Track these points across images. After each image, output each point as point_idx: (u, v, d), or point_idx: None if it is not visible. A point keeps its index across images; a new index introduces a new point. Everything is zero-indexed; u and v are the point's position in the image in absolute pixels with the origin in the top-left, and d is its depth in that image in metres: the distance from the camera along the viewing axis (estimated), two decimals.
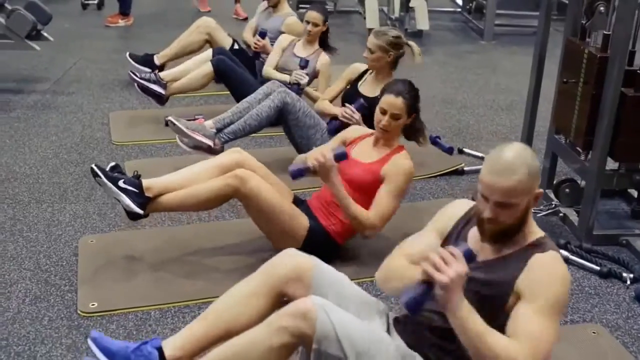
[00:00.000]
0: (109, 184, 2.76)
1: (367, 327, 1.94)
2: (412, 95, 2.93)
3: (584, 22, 3.28)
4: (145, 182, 2.81)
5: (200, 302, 2.69)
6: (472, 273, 1.80)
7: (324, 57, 4.23)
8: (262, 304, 2.09)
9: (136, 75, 4.38)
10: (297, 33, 4.60)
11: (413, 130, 3.07)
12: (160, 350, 2.05)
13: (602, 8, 3.09)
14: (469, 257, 1.74)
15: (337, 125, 3.53)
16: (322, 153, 2.71)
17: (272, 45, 4.57)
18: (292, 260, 2.13)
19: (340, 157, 2.72)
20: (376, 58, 3.58)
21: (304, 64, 4.15)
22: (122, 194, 2.76)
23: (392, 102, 2.88)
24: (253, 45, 4.64)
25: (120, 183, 2.78)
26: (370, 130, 3.09)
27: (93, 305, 2.65)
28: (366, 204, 2.86)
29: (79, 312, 2.62)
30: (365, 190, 2.88)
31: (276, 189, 2.91)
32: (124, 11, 7.06)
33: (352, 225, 2.88)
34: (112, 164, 2.91)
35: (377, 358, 1.87)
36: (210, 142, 3.61)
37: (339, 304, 1.96)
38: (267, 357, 1.88)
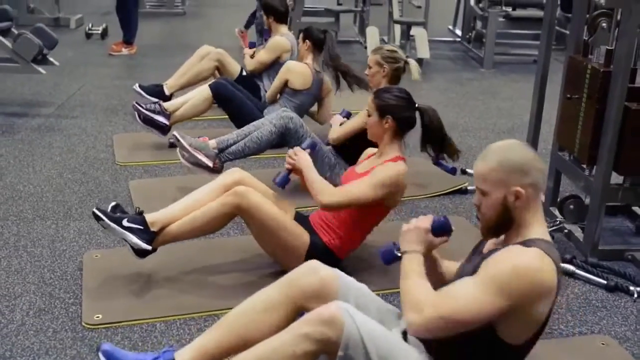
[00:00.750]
0: (113, 224, 2.75)
1: (390, 334, 1.93)
2: (385, 97, 2.85)
3: (586, 38, 3.32)
4: (148, 217, 2.80)
5: (206, 315, 2.67)
6: (474, 264, 1.89)
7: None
8: (280, 317, 2.06)
9: (141, 107, 4.37)
10: (279, 50, 4.76)
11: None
12: None
13: (604, 24, 3.13)
14: (441, 225, 2.00)
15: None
16: (293, 151, 2.92)
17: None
18: (316, 275, 2.09)
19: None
20: (373, 73, 3.65)
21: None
22: (127, 232, 2.74)
23: (369, 99, 2.92)
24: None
25: (124, 222, 2.76)
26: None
27: (98, 317, 2.63)
28: (358, 213, 2.87)
29: (83, 324, 2.60)
30: None
31: (277, 205, 2.90)
32: (128, 40, 7.14)
33: (352, 240, 2.90)
34: (113, 203, 2.89)
35: None
36: (209, 162, 3.62)
37: (361, 312, 1.94)
38: None
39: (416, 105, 2.91)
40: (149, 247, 2.77)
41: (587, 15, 3.32)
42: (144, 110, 4.37)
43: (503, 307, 1.74)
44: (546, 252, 1.79)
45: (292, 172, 2.95)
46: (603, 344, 2.58)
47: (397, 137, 2.90)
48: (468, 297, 1.76)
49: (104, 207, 2.84)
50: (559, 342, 2.59)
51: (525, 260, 1.76)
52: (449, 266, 2.17)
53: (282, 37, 4.86)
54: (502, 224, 1.89)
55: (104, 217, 2.75)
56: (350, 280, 2.13)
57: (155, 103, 4.48)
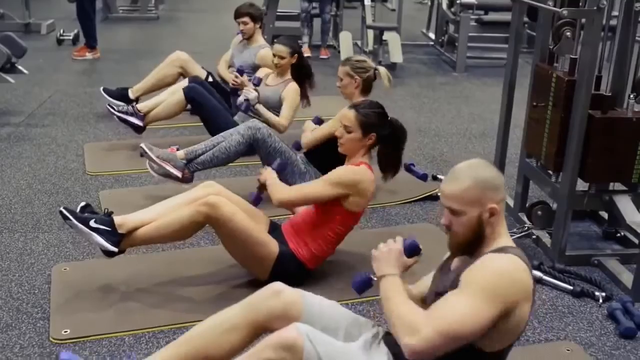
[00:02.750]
0: (80, 225, 2.73)
1: (353, 354, 1.93)
2: (368, 112, 2.87)
3: (551, 47, 3.36)
4: (117, 219, 2.79)
5: (175, 328, 2.66)
6: (445, 282, 1.90)
7: (291, 86, 4.20)
8: (241, 338, 2.06)
9: (113, 109, 4.42)
10: (271, 64, 4.66)
11: (384, 164, 3.00)
12: None
13: (568, 33, 3.17)
14: (413, 247, 2.02)
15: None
16: (262, 171, 3.06)
17: (249, 79, 4.60)
18: (279, 298, 2.08)
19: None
20: (344, 85, 3.66)
21: (256, 82, 4.27)
22: (94, 233, 2.74)
23: (345, 113, 2.91)
24: (231, 82, 4.61)
25: (92, 223, 2.75)
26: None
27: (66, 332, 2.61)
28: (324, 221, 2.90)
29: (51, 339, 2.58)
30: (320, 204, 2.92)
31: (250, 216, 2.90)
32: (91, 44, 7.12)
33: (321, 249, 2.92)
34: (83, 203, 2.88)
35: None
36: (178, 173, 3.62)
37: (327, 333, 1.95)
38: None
39: (389, 118, 2.96)
40: (115, 249, 2.77)
41: (552, 24, 3.36)
42: (116, 113, 4.41)
43: (495, 312, 1.76)
44: (521, 258, 1.84)
45: (263, 190, 3.06)
46: (568, 350, 2.62)
47: (369, 150, 2.94)
48: (461, 310, 1.76)
49: (72, 207, 2.82)
50: (525, 350, 2.62)
51: (506, 265, 1.80)
52: (416, 292, 2.15)
53: (268, 49, 4.79)
54: (475, 241, 1.89)
55: (70, 217, 2.73)
56: (317, 300, 2.12)
57: (127, 105, 4.48)
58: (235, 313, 2.10)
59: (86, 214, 2.81)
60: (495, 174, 1.89)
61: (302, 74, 4.25)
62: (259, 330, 2.06)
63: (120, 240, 2.79)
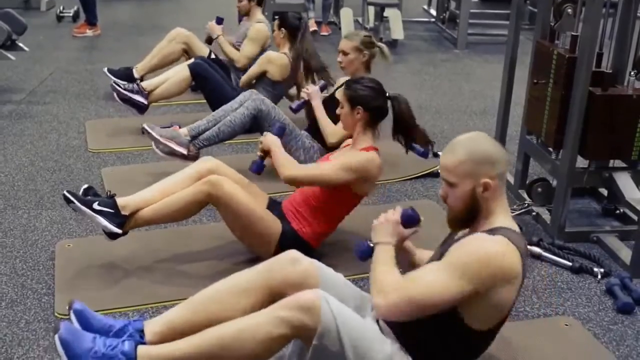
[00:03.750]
0: (84, 208, 2.75)
1: (365, 324, 1.97)
2: (357, 88, 2.86)
3: (552, 24, 3.36)
4: (120, 201, 2.81)
5: (179, 302, 2.68)
6: (441, 252, 1.95)
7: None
8: (254, 302, 2.06)
9: (119, 86, 4.39)
10: (263, 38, 4.71)
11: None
12: (141, 332, 2.04)
13: (569, 10, 3.17)
14: (409, 217, 2.08)
15: (301, 105, 3.72)
16: (263, 139, 2.99)
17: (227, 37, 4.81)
18: (295, 266, 2.09)
19: (279, 130, 3.04)
20: (351, 60, 3.65)
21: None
22: (98, 216, 2.76)
23: (340, 90, 2.95)
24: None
25: (95, 205, 2.77)
26: None
27: None
28: (328, 201, 2.91)
29: (56, 314, 2.61)
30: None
31: (250, 193, 2.91)
32: (91, 21, 7.09)
33: (323, 227, 2.94)
34: (85, 186, 2.90)
35: (372, 354, 1.90)
36: (184, 150, 3.62)
37: (341, 302, 1.97)
38: (262, 345, 1.88)
39: (387, 94, 2.92)
40: (120, 231, 2.79)
41: (553, 1, 3.36)
42: (122, 90, 4.38)
43: (465, 290, 1.79)
44: (511, 240, 1.84)
45: (265, 157, 3.00)
46: (566, 324, 2.65)
47: (369, 127, 2.92)
48: (431, 281, 1.82)
49: (74, 190, 2.84)
50: (523, 324, 2.66)
51: (488, 246, 1.81)
52: (424, 255, 2.21)
53: (262, 25, 4.81)
54: (470, 215, 1.92)
55: (74, 200, 2.75)
56: (329, 271, 2.15)
57: (133, 82, 4.46)
58: (250, 277, 2.11)
59: (89, 197, 2.82)
60: (493, 149, 1.90)
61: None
62: (274, 296, 2.06)
63: (124, 221, 2.81)
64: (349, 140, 3.11)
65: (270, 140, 2.97)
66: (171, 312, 2.11)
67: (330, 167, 2.87)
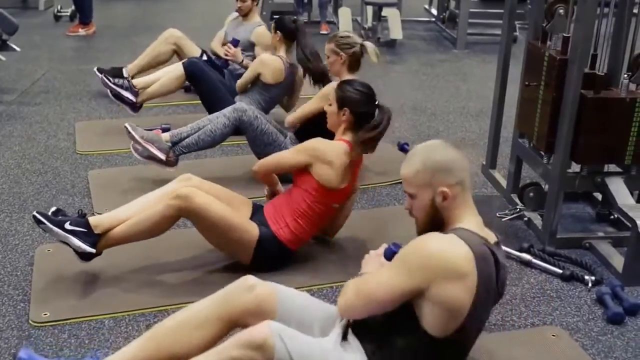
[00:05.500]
0: (55, 228, 2.67)
1: (326, 351, 1.90)
2: (346, 89, 2.88)
3: (544, 24, 3.28)
4: (92, 220, 2.74)
5: (155, 310, 2.64)
6: None
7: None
8: (212, 334, 2.01)
9: (109, 80, 4.34)
10: (266, 42, 4.60)
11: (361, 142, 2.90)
12: None
13: (561, 10, 3.09)
14: (389, 253, 2.06)
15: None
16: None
17: (243, 55, 4.56)
18: (252, 293, 2.03)
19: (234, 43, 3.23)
20: (331, 62, 3.63)
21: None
22: (70, 236, 2.68)
23: (332, 87, 2.99)
24: (223, 53, 4.60)
25: (67, 225, 2.69)
26: None
27: (45, 314, 2.59)
28: (304, 200, 2.86)
29: (30, 322, 2.56)
30: (297, 178, 2.92)
31: (231, 204, 2.85)
32: (84, 20, 7.06)
33: (301, 231, 2.88)
34: (53, 208, 2.81)
35: None
36: (162, 156, 3.55)
37: (302, 328, 1.93)
38: None
39: (377, 102, 2.89)
40: (93, 250, 2.71)
41: (545, 2, 3.28)
42: (111, 84, 4.33)
43: (410, 285, 1.80)
44: (462, 238, 1.81)
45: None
46: (554, 335, 2.57)
47: (351, 130, 2.89)
48: (381, 279, 1.86)
49: (44, 211, 2.76)
50: (509, 335, 2.59)
51: (432, 242, 1.82)
52: None
53: (263, 28, 4.74)
54: (434, 225, 1.90)
55: (45, 221, 2.67)
56: (291, 293, 2.09)
57: (124, 79, 4.40)
58: (205, 307, 2.04)
59: (60, 217, 2.75)
60: (449, 157, 1.87)
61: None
62: (231, 325, 2.01)
63: (97, 240, 2.73)
64: None
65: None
66: (129, 347, 2.04)
67: (288, 151, 3.01)
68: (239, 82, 4.35)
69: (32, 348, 2.41)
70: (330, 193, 2.86)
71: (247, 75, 4.30)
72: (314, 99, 3.69)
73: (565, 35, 3.09)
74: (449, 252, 1.79)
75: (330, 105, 2.93)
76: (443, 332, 1.85)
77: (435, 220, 1.88)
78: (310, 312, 2.06)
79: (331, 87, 3.68)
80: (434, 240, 1.83)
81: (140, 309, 2.65)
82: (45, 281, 2.81)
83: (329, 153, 2.82)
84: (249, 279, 2.07)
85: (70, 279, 2.83)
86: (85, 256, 2.74)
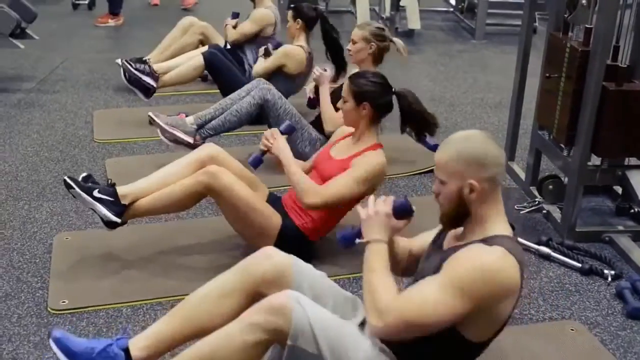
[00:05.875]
0: (84, 194, 2.72)
1: (342, 323, 1.91)
2: (362, 82, 2.78)
3: (566, 15, 3.24)
4: (120, 190, 2.77)
5: (173, 300, 2.63)
6: (434, 260, 1.85)
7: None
8: (236, 304, 2.03)
9: (130, 65, 4.30)
10: (263, 22, 4.70)
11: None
12: (127, 350, 2.00)
13: (584, 1, 3.04)
14: (403, 209, 1.93)
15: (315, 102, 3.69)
16: (271, 134, 2.83)
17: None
18: (270, 261, 2.06)
19: (288, 129, 2.88)
20: (358, 49, 3.57)
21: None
22: (97, 203, 2.72)
23: (344, 84, 2.85)
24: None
25: (95, 193, 2.73)
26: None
27: (64, 302, 2.61)
28: None
29: (49, 309, 2.58)
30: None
31: (250, 185, 2.86)
32: (114, 11, 7.04)
33: (325, 223, 2.86)
34: (84, 174, 2.85)
35: (351, 354, 1.83)
36: (189, 139, 3.59)
37: (317, 301, 1.92)
38: (241, 354, 1.83)
39: (393, 90, 2.84)
40: (118, 220, 2.75)
41: None
42: (132, 69, 4.29)
43: (466, 309, 1.70)
44: (509, 250, 1.74)
45: (266, 153, 2.89)
46: (572, 329, 2.56)
47: (374, 123, 2.85)
48: (430, 301, 1.71)
49: (75, 176, 2.81)
50: (527, 329, 2.57)
51: (487, 261, 1.71)
52: (403, 243, 2.14)
53: (267, 10, 4.78)
54: (458, 216, 1.85)
55: (74, 186, 2.72)
56: (307, 267, 2.09)
57: (145, 64, 4.41)
58: (227, 278, 2.08)
59: (89, 184, 2.79)
60: (486, 151, 1.80)
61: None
62: (252, 294, 2.02)
63: (123, 211, 2.77)
64: (345, 129, 3.02)
65: (279, 146, 2.80)
66: (158, 324, 2.06)
67: (349, 182, 2.73)
68: (258, 68, 4.30)
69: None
70: (365, 193, 2.79)
71: (269, 66, 4.26)
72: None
73: (587, 26, 3.05)
74: (505, 271, 1.71)
75: (345, 102, 2.81)
76: (482, 337, 1.83)
77: (460, 212, 1.83)
78: (325, 289, 2.05)
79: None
80: (488, 259, 1.71)
81: (158, 298, 2.66)
82: (64, 268, 2.83)
83: (385, 171, 2.83)
84: (268, 249, 2.11)
85: (88, 266, 2.84)
86: (110, 224, 2.77)
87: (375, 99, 2.79)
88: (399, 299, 1.76)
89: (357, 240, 2.01)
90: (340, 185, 2.73)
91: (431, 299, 1.71)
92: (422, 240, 2.11)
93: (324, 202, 2.72)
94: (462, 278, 1.70)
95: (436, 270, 1.79)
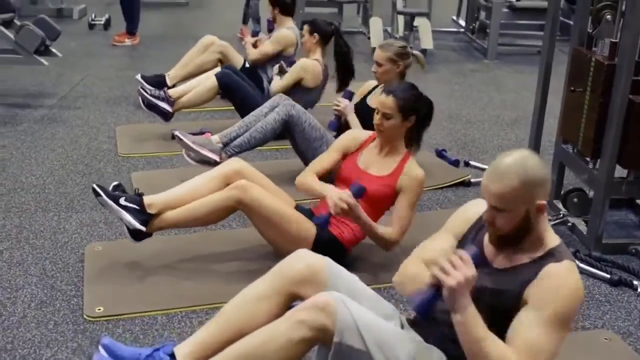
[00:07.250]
0: (110, 202, 2.76)
1: (385, 322, 1.94)
2: (406, 96, 2.83)
3: (590, 30, 3.29)
4: (146, 199, 2.81)
5: (207, 307, 2.66)
6: (484, 280, 1.83)
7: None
8: (274, 306, 2.06)
9: (146, 92, 4.39)
10: (285, 44, 4.77)
11: (409, 138, 2.96)
12: (172, 356, 2.02)
13: (608, 16, 3.10)
14: (477, 260, 1.77)
15: (337, 125, 3.69)
16: (342, 199, 2.66)
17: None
18: (304, 261, 2.09)
19: (359, 193, 2.71)
20: (385, 71, 3.59)
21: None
22: (123, 211, 2.76)
23: (383, 100, 2.84)
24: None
25: (122, 201, 2.78)
26: (368, 133, 3.06)
27: (99, 309, 2.63)
28: (376, 213, 2.87)
29: (84, 316, 2.60)
30: (378, 203, 2.89)
31: (278, 197, 2.89)
32: (131, 30, 7.12)
33: (361, 233, 2.88)
34: (115, 183, 2.92)
35: (397, 349, 1.86)
36: (216, 157, 3.61)
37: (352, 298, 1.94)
38: (286, 351, 1.86)
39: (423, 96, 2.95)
40: (143, 228, 2.79)
41: (591, 7, 3.29)
42: (148, 96, 4.38)
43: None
44: (571, 260, 1.82)
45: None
46: (606, 339, 2.57)
47: (414, 134, 2.95)
48: (547, 343, 1.74)
49: (104, 185, 2.86)
50: None
51: (577, 284, 1.79)
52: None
53: (289, 31, 4.84)
54: (520, 235, 1.84)
55: (102, 193, 2.77)
56: (339, 269, 2.12)
57: (160, 90, 4.47)
58: (262, 282, 2.11)
59: (117, 192, 2.83)
60: (542, 168, 1.79)
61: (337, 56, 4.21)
62: (288, 296, 2.06)
63: (149, 220, 2.80)
64: (359, 135, 3.07)
65: (359, 214, 2.74)
66: (201, 330, 2.10)
67: (411, 210, 2.86)
68: (277, 85, 4.37)
69: (88, 341, 2.45)
70: None
71: (287, 83, 4.35)
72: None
73: (612, 40, 3.10)
74: (581, 281, 1.82)
75: (388, 119, 2.83)
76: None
77: (522, 230, 1.82)
78: (360, 290, 2.07)
79: (366, 84, 3.87)
80: (575, 280, 1.78)
81: (192, 306, 2.68)
82: (97, 277, 2.85)
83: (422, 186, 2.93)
84: (301, 251, 2.14)
85: (121, 275, 2.87)
86: (136, 234, 2.81)
87: (420, 110, 2.89)
88: (523, 353, 1.73)
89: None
90: (407, 218, 2.86)
91: (550, 342, 1.74)
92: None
93: (402, 239, 2.86)
94: (565, 311, 1.76)
95: (498, 295, 1.82)
